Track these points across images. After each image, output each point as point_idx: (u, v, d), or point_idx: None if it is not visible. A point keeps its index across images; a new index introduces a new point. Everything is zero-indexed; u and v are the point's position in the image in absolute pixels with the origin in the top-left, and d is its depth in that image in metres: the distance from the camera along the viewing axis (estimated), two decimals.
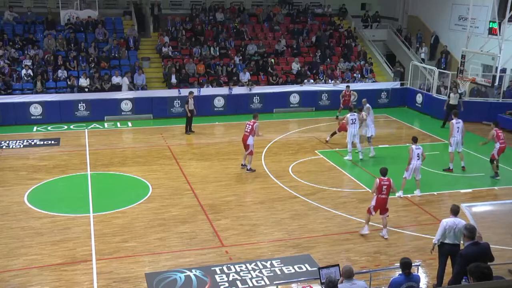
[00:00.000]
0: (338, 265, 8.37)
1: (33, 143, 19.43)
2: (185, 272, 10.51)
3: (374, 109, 24.68)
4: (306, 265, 10.85)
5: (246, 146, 16.28)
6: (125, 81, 23.12)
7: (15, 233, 12.18)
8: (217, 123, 22.77)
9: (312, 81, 25.52)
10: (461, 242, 9.10)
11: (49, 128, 21.44)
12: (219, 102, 23.93)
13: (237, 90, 24.15)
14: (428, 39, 28.89)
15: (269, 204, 14.03)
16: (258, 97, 24.27)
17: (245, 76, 24.76)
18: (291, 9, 30.70)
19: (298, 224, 12.84)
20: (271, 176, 16.08)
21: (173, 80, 24.13)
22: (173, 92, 23.50)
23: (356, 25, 30.64)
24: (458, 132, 16.33)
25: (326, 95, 25.11)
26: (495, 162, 16.22)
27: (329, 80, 25.75)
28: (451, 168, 16.63)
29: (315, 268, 9.66)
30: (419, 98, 25.22)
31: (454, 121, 16.50)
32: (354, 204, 14.06)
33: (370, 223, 12.37)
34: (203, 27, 27.46)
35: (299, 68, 25.94)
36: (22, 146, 19.04)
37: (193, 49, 25.81)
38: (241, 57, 26.00)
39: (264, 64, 25.96)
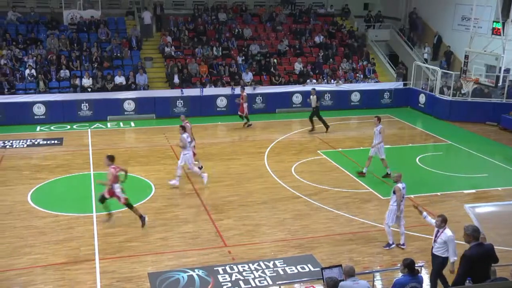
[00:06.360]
0: (340, 265, 8.37)
1: (36, 142, 19.46)
2: (188, 272, 10.52)
3: (377, 109, 24.73)
4: (309, 265, 10.85)
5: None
6: None
7: (19, 232, 12.21)
8: (219, 123, 22.77)
9: (314, 81, 25.48)
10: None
11: (52, 127, 21.48)
12: (221, 102, 23.92)
13: (240, 90, 24.09)
14: (431, 39, 28.84)
15: (272, 204, 14.03)
16: (260, 97, 24.24)
17: (248, 76, 24.75)
18: (294, 9, 30.67)
19: (301, 224, 12.84)
20: (274, 176, 16.07)
21: (176, 80, 24.14)
22: (175, 92, 23.52)
23: (359, 25, 30.63)
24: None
25: (329, 95, 25.09)
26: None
27: (332, 80, 25.73)
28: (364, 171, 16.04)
29: (318, 269, 9.66)
30: (422, 99, 25.19)
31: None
32: (356, 204, 14.05)
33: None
34: (205, 27, 27.46)
35: (302, 68, 25.91)
36: (25, 145, 19.07)
37: (196, 49, 25.82)
38: (243, 57, 25.99)
39: (266, 64, 25.94)
